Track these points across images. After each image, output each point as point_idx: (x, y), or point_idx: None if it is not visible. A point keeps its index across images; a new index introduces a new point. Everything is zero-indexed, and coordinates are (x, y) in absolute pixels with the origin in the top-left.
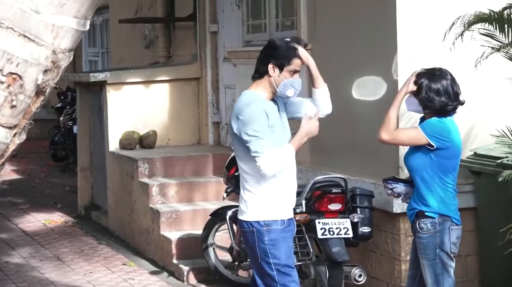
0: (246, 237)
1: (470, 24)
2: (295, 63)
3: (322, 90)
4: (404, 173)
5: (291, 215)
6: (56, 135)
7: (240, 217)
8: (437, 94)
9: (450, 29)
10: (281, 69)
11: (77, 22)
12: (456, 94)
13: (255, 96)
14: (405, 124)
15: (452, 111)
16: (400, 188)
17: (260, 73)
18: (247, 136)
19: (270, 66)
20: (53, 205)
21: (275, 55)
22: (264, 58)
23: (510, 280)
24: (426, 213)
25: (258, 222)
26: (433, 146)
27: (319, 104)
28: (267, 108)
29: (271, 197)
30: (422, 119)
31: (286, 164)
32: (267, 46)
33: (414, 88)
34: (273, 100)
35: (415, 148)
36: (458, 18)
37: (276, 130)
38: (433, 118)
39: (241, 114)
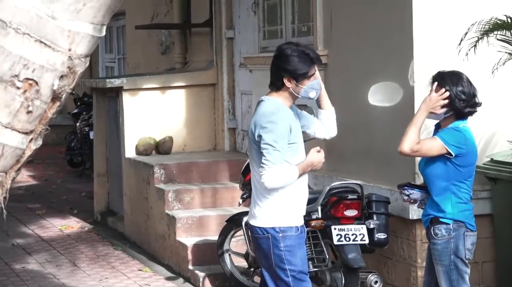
0: (260, 243)
1: (485, 32)
2: (311, 72)
3: (328, 112)
4: (420, 179)
5: (303, 222)
6: (72, 141)
7: (253, 223)
8: (459, 95)
9: (465, 36)
10: (297, 80)
11: (93, 28)
12: (474, 95)
13: (280, 105)
14: (423, 136)
15: (472, 112)
16: (416, 194)
17: (277, 86)
18: (265, 143)
19: (285, 80)
20: (70, 210)
21: (287, 69)
22: (277, 71)
23: None
24: (441, 219)
25: (273, 228)
26: (451, 155)
27: (325, 125)
28: (292, 121)
29: (286, 204)
30: (437, 126)
31: (287, 184)
32: (277, 56)
33: (441, 110)
34: None
35: (432, 156)
36: (473, 25)
37: (298, 140)
38: (449, 126)
39: (265, 121)
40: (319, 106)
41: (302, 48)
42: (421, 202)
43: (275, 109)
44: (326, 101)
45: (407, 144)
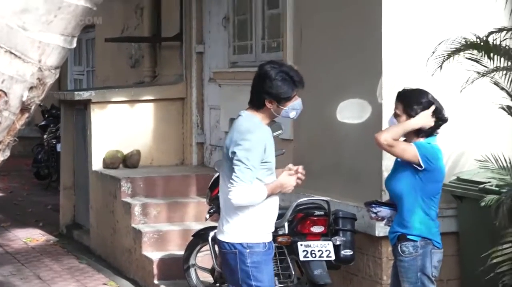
0: (227, 258)
1: (452, 54)
2: (293, 94)
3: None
4: (387, 196)
5: (271, 239)
6: (39, 153)
7: (220, 237)
8: (423, 109)
9: (431, 56)
10: (279, 102)
11: (64, 39)
12: (439, 111)
13: (257, 123)
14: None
15: (437, 128)
16: (384, 211)
17: (257, 105)
18: (237, 160)
19: (266, 102)
20: (35, 223)
21: (270, 90)
22: (258, 91)
23: None
24: (408, 236)
25: (241, 244)
26: (421, 167)
27: None
28: (267, 139)
29: (255, 220)
30: None
31: (253, 203)
32: (259, 76)
33: (432, 123)
34: None
35: (399, 171)
36: (440, 43)
37: (271, 159)
38: (420, 140)
39: (241, 138)
40: None
41: (286, 69)
42: (388, 219)
43: (251, 126)
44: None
45: (386, 136)
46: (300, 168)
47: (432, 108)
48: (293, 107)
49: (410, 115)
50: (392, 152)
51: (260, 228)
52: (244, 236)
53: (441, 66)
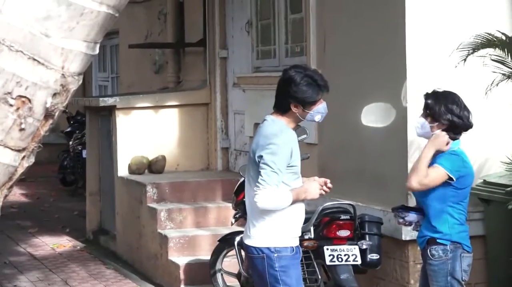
0: (255, 263)
1: (476, 47)
2: (318, 98)
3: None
4: (413, 200)
5: (298, 243)
6: (65, 159)
7: (248, 242)
8: (453, 110)
9: (451, 54)
10: (304, 106)
11: (87, 45)
12: (467, 116)
13: (283, 127)
14: (412, 153)
15: (462, 131)
16: (411, 216)
17: (283, 110)
18: (264, 163)
19: (292, 106)
20: (62, 229)
21: (295, 95)
22: (284, 96)
23: None
24: (438, 240)
25: (268, 248)
26: (453, 179)
27: None
28: (293, 143)
29: (282, 224)
30: None
31: (279, 207)
32: (284, 81)
33: (447, 147)
34: None
35: None
36: (461, 45)
37: (297, 163)
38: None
39: (267, 142)
40: None
41: (311, 73)
42: (416, 224)
43: (278, 130)
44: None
45: (416, 180)
46: (328, 182)
47: (444, 134)
48: (318, 111)
49: (437, 118)
50: (430, 187)
51: (287, 232)
52: (272, 240)
53: (465, 60)
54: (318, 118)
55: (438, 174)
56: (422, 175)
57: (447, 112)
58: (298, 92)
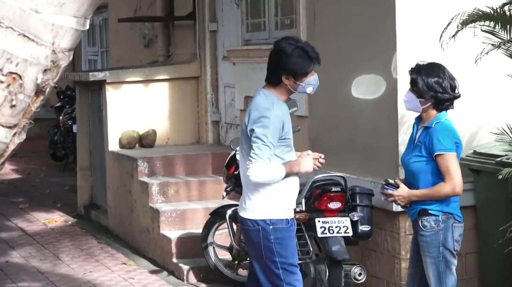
0: (250, 235)
1: (465, 23)
2: (310, 70)
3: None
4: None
5: (293, 215)
6: (55, 135)
7: (243, 215)
8: (435, 85)
9: (446, 28)
10: (295, 78)
11: (77, 21)
12: (452, 87)
13: (275, 100)
14: (402, 125)
15: (450, 103)
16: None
17: (274, 82)
18: (256, 137)
19: (283, 77)
20: (53, 204)
21: (286, 66)
22: (275, 67)
23: (509, 278)
24: (429, 211)
25: (264, 220)
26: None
27: None
28: (285, 115)
29: (277, 197)
30: (418, 119)
31: (272, 181)
32: (276, 53)
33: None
34: None
35: (416, 151)
36: (455, 16)
37: (289, 135)
38: (433, 121)
39: (259, 115)
40: None
41: (302, 45)
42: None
43: (269, 104)
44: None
45: (455, 190)
46: (322, 157)
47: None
48: (310, 83)
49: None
50: (460, 176)
51: (282, 205)
52: (267, 212)
53: (454, 36)
54: (309, 90)
55: (454, 162)
56: (452, 186)
57: (429, 90)
58: (289, 64)
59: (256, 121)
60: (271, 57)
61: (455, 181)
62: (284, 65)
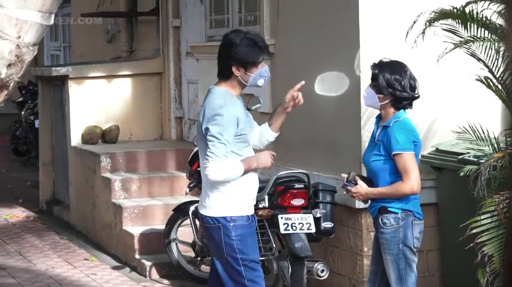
0: (211, 232)
1: (431, 21)
2: (259, 60)
3: (273, 134)
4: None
5: (253, 212)
6: (17, 130)
7: (203, 212)
8: (394, 83)
9: (412, 27)
10: (246, 68)
11: (42, 16)
12: (412, 87)
13: (227, 96)
14: (365, 123)
15: (409, 102)
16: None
17: (225, 75)
18: (210, 135)
19: (233, 69)
20: (15, 200)
21: (235, 56)
22: (225, 59)
23: (470, 275)
24: (389, 209)
25: (224, 217)
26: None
27: (261, 139)
28: (238, 112)
29: (237, 193)
30: (379, 117)
31: (230, 178)
32: (225, 45)
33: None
34: None
35: (376, 150)
36: (420, 15)
37: (245, 131)
38: (391, 120)
39: (212, 114)
40: (270, 124)
41: (251, 36)
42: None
43: (222, 101)
44: (279, 124)
45: (413, 189)
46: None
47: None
48: (261, 74)
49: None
50: (417, 172)
51: (242, 201)
52: (227, 209)
53: (423, 33)
54: (261, 82)
55: (412, 161)
56: (409, 185)
57: (388, 86)
58: (238, 53)
59: (210, 119)
60: (220, 50)
61: (412, 180)
62: (233, 55)
